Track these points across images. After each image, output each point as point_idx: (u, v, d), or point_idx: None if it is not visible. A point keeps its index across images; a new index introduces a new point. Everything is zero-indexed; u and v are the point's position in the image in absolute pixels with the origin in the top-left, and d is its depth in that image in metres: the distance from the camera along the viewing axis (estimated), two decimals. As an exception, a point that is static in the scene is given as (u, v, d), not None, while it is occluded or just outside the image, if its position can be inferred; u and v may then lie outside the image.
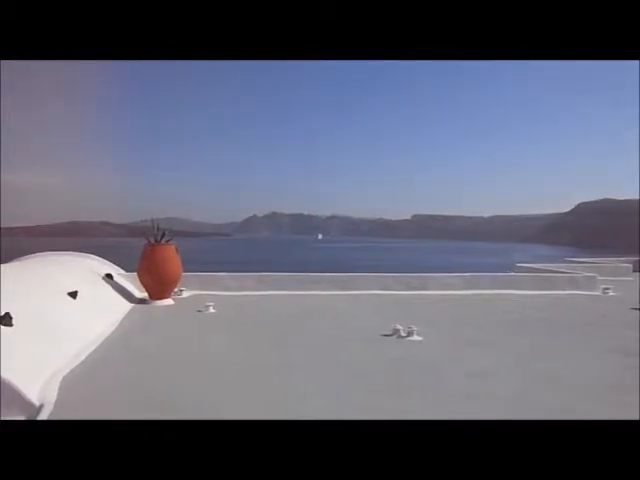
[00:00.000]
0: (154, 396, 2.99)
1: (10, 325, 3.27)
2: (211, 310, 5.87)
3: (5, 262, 6.11)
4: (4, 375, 2.69)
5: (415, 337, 4.58)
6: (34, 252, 7.09)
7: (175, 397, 2.97)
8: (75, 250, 7.53)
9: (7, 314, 3.30)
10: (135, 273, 6.83)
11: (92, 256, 7.46)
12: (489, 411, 2.78)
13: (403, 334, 4.65)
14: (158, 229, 6.78)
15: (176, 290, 6.98)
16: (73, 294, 4.86)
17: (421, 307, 6.65)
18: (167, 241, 6.80)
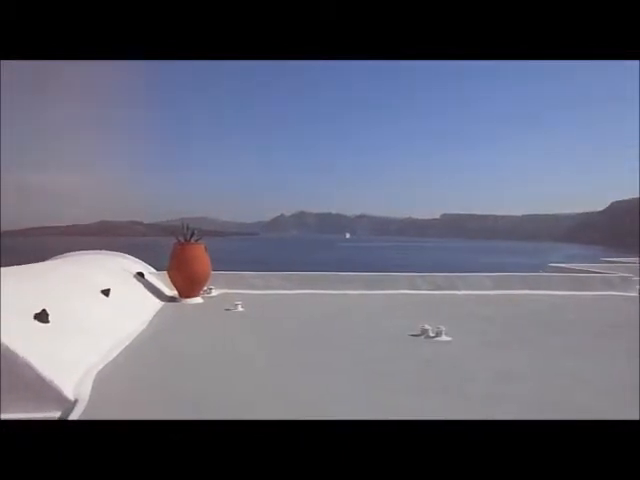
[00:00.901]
0: (184, 394, 3.04)
1: (46, 322, 3.37)
2: (239, 309, 5.93)
3: (40, 261, 6.28)
4: (41, 370, 2.77)
5: (444, 337, 4.54)
6: (67, 251, 7.27)
7: (206, 396, 3.01)
8: (107, 249, 7.69)
9: (43, 311, 3.40)
10: (165, 272, 6.95)
11: (124, 255, 7.61)
12: (516, 413, 2.74)
13: (431, 334, 4.61)
14: (187, 228, 6.87)
15: (205, 289, 7.07)
16: (106, 292, 4.97)
17: (450, 307, 6.58)
18: (196, 240, 6.90)
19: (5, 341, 2.78)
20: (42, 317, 3.37)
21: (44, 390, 2.74)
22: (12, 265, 4.92)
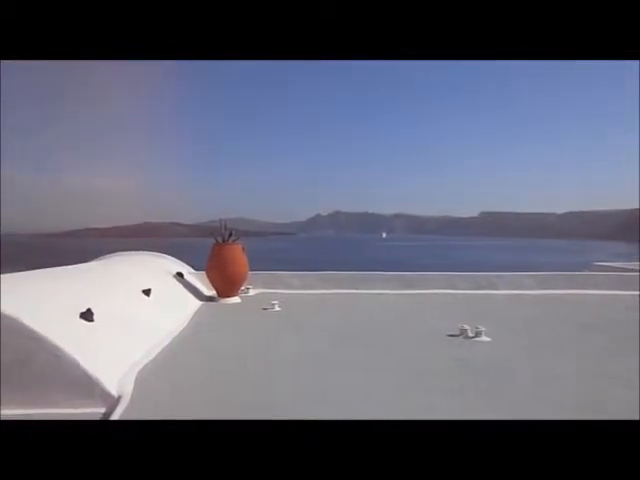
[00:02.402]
0: (224, 393, 3.09)
1: (91, 320, 3.48)
2: (276, 308, 5.98)
3: (84, 262, 6.48)
4: (86, 368, 2.87)
5: (483, 338, 4.46)
6: (110, 252, 7.47)
7: (244, 395, 3.05)
8: (148, 250, 7.86)
9: (89, 310, 3.51)
10: (204, 272, 7.07)
11: (164, 255, 7.77)
12: (557, 417, 2.68)
13: (470, 334, 4.54)
14: (225, 229, 6.98)
15: (243, 288, 7.16)
16: (147, 291, 5.09)
17: (490, 307, 6.47)
18: (234, 241, 6.99)
19: (53, 339, 2.89)
20: (87, 316, 3.48)
21: (89, 387, 2.84)
22: (59, 266, 5.10)
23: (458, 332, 4.63)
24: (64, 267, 5.11)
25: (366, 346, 4.30)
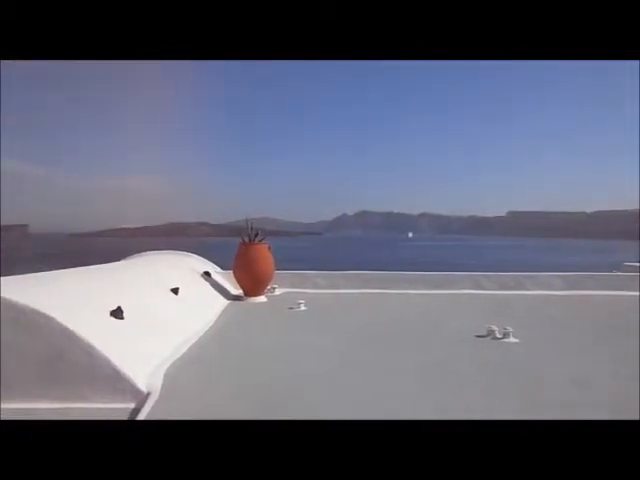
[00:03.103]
0: (249, 391, 3.12)
1: (121, 318, 3.56)
2: (302, 308, 6.00)
3: (114, 261, 6.61)
4: (117, 364, 2.94)
5: (511, 339, 4.40)
6: (139, 252, 7.60)
7: (269, 393, 3.08)
8: (175, 249, 7.98)
9: (119, 308, 3.59)
10: (231, 271, 7.14)
11: (192, 255, 7.87)
12: (587, 418, 2.63)
13: (498, 335, 4.49)
14: (252, 229, 7.04)
15: (269, 287, 7.21)
16: (175, 290, 5.17)
17: (517, 308, 6.37)
18: (260, 240, 7.04)
19: (86, 337, 2.96)
20: (117, 313, 3.56)
21: (120, 383, 2.90)
22: (90, 265, 5.22)
23: (485, 333, 4.58)
24: (96, 266, 5.23)
25: (392, 346, 4.28)
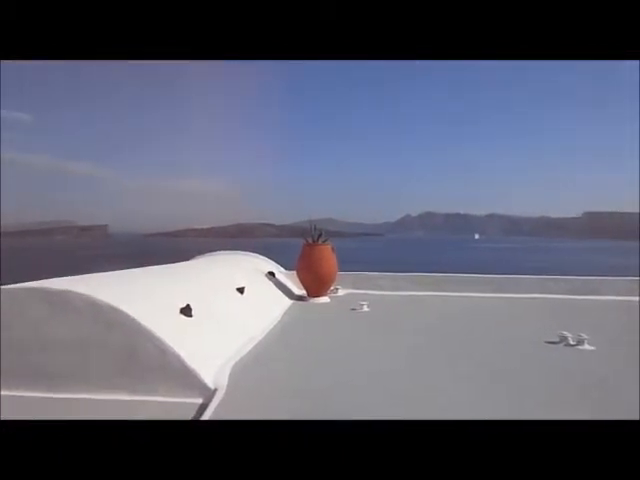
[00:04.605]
0: (312, 390, 3.15)
1: (190, 316, 3.69)
2: (365, 309, 6.00)
3: (182, 261, 6.87)
4: (186, 361, 3.06)
5: (586, 346, 4.19)
6: (207, 252, 7.86)
7: (331, 393, 3.09)
8: (241, 250, 8.18)
9: (188, 306, 3.73)
10: (294, 271, 7.24)
11: (256, 255, 8.05)
12: None
13: (572, 342, 4.29)
14: (315, 229, 7.11)
15: (332, 288, 7.25)
16: (241, 290, 5.31)
17: (591, 313, 6.06)
18: (324, 241, 7.10)
19: (158, 333, 3.10)
20: (186, 311, 3.70)
21: (189, 378, 3.02)
22: (161, 264, 5.46)
23: (557, 339, 4.40)
24: (167, 265, 5.46)
25: (459, 351, 4.18)
